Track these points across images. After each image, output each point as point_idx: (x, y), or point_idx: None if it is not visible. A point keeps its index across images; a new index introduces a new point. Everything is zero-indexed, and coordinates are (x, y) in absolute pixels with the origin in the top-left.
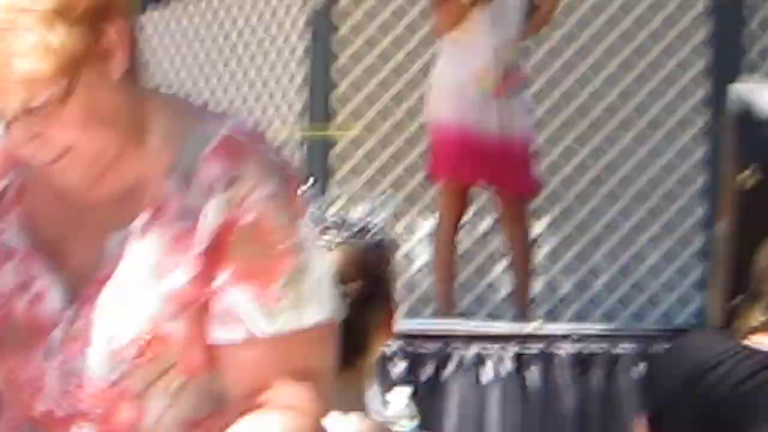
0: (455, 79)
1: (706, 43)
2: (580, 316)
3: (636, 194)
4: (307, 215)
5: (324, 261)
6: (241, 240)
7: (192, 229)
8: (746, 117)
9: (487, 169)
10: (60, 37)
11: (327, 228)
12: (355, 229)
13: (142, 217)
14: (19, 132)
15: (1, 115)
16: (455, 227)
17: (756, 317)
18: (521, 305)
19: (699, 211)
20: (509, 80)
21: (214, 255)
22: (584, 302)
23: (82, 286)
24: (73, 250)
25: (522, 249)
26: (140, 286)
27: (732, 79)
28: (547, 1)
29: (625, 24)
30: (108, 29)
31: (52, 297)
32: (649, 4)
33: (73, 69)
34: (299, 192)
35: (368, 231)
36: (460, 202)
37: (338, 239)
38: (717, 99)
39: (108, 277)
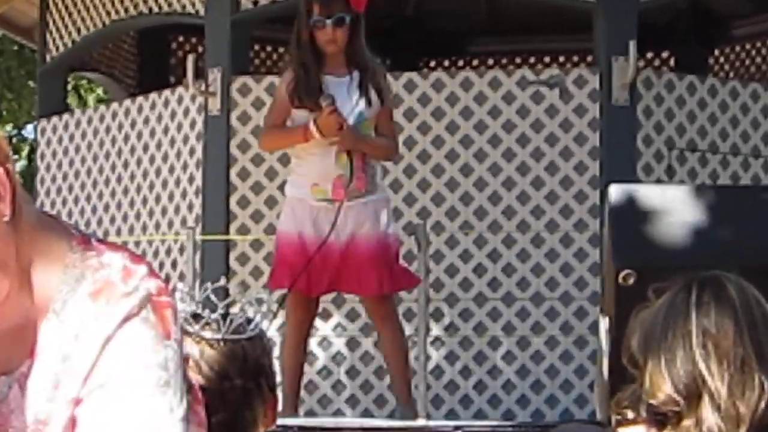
0: (296, 191)
1: (599, 148)
2: (480, 416)
3: (533, 296)
4: (185, 314)
5: (180, 375)
6: (109, 357)
7: (67, 373)
8: (623, 217)
9: (325, 276)
10: None
11: (207, 324)
12: (235, 324)
13: (26, 364)
14: None
15: None
16: (302, 335)
17: (625, 410)
18: (405, 402)
19: (594, 312)
20: (348, 187)
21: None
22: (483, 402)
23: None
24: None
25: (392, 347)
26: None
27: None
28: (381, 148)
29: (522, 128)
30: None
31: None
32: (544, 109)
33: None
34: (169, 314)
35: (248, 325)
36: (306, 310)
37: (218, 336)
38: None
39: None
